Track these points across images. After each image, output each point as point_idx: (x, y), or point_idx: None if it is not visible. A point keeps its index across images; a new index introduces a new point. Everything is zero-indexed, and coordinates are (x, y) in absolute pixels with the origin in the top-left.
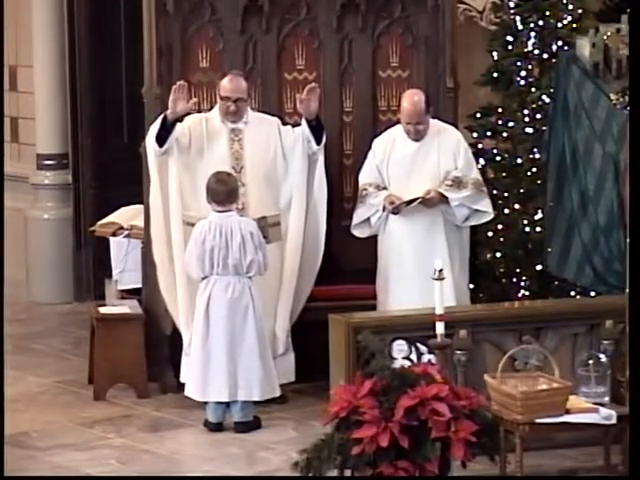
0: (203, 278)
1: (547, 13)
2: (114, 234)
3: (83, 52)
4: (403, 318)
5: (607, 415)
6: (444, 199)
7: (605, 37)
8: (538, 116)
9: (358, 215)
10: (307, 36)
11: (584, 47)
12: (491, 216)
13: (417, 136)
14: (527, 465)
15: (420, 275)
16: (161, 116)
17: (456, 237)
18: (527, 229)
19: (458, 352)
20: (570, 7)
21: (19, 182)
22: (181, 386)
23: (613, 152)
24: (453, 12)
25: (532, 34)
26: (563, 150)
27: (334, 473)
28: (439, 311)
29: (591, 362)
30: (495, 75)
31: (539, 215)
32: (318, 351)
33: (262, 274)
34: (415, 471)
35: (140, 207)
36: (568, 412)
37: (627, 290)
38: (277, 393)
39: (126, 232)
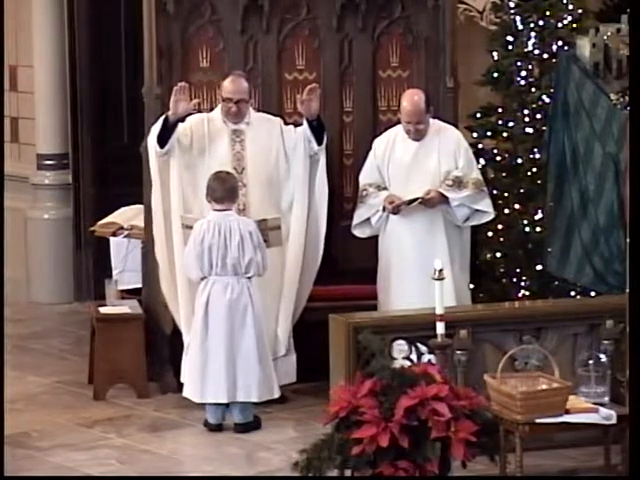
0: (202, 279)
1: (547, 13)
2: (114, 234)
3: (83, 52)
4: (403, 318)
5: (607, 415)
6: (444, 199)
7: (605, 37)
8: (538, 116)
9: (358, 215)
10: (307, 36)
11: (584, 47)
12: (492, 216)
13: (417, 136)
14: (527, 465)
15: (420, 275)
16: (162, 117)
17: (456, 237)
18: (527, 229)
19: (458, 352)
20: (570, 7)
21: (19, 182)
22: (181, 386)
23: (613, 152)
24: (453, 12)
25: (532, 34)
26: (563, 150)
27: (334, 473)
28: (439, 311)
29: (591, 362)
30: (495, 75)
31: (539, 215)
32: (318, 351)
33: (261, 275)
34: (415, 471)
35: (140, 207)
36: (568, 412)
37: (627, 290)
38: (276, 394)
39: (126, 232)
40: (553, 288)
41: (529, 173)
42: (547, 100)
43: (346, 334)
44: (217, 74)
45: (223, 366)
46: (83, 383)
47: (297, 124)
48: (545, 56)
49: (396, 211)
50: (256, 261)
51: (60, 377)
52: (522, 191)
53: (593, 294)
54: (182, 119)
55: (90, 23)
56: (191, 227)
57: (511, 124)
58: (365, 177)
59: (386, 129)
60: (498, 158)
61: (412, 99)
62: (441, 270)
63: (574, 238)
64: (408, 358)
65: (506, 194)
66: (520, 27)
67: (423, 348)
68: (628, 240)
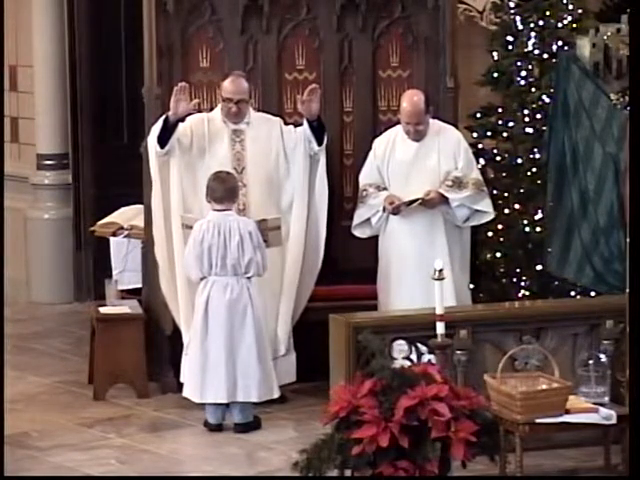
0: (202, 279)
1: (547, 13)
2: (114, 234)
3: (83, 52)
4: (403, 318)
5: (607, 415)
6: (444, 199)
7: (605, 37)
8: (538, 116)
9: (359, 215)
10: (307, 36)
11: (584, 47)
12: (492, 216)
13: (417, 136)
14: (527, 465)
15: (421, 275)
16: (162, 117)
17: (456, 237)
18: (527, 229)
19: (458, 352)
20: (570, 7)
21: (19, 182)
22: (181, 386)
23: (613, 152)
24: (453, 12)
25: (532, 34)
26: (563, 150)
27: (334, 473)
28: (439, 311)
29: (591, 362)
30: (495, 75)
31: (539, 215)
32: (318, 351)
33: (261, 275)
34: (415, 471)
35: (140, 207)
36: (568, 412)
37: (627, 290)
38: (275, 395)
39: (126, 232)
40: (553, 288)
41: (529, 173)
42: (547, 100)
43: (346, 334)
44: (217, 74)
45: (223, 366)
46: (83, 383)
47: (297, 124)
48: (545, 56)
49: (396, 211)
50: (256, 261)
51: (60, 377)
52: (522, 191)
53: (593, 294)
54: (182, 119)
55: (90, 23)
56: (191, 227)
57: (511, 124)
58: (365, 177)
59: (386, 129)
60: (498, 158)
61: (412, 100)
62: (441, 270)
63: (574, 238)
64: (408, 358)
65: (506, 194)
66: (520, 27)
67: (423, 348)
68: (628, 240)
